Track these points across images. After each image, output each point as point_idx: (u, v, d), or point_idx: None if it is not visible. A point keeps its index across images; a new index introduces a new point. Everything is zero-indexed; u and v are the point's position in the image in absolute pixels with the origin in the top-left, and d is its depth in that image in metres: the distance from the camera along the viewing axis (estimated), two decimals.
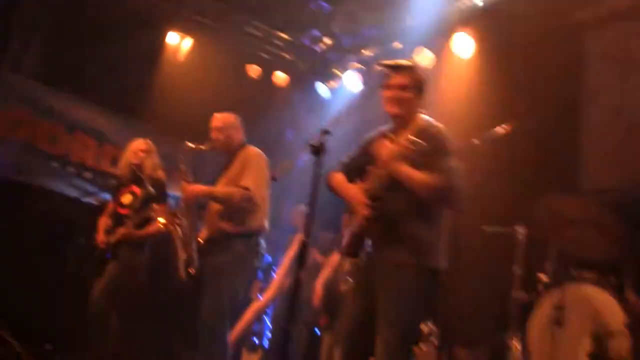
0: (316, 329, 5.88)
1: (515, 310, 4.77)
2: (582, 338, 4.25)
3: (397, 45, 7.35)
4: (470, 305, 5.63)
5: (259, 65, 8.37)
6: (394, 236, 3.36)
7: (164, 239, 5.21)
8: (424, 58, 6.89)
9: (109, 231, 5.44)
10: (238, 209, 4.68)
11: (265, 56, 8.39)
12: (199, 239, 4.91)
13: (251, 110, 6.25)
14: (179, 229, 4.98)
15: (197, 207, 5.03)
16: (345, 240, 3.54)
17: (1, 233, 6.38)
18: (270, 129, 7.73)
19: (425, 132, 3.35)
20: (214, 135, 4.98)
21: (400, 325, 3.27)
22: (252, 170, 4.77)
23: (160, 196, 5.49)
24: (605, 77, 5.90)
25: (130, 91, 7.56)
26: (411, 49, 6.92)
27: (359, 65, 7.85)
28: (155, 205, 5.36)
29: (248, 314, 6.13)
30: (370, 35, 7.65)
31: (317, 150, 3.12)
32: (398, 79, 3.51)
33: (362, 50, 7.84)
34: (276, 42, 8.28)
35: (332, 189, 3.64)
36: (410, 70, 3.56)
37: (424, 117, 3.51)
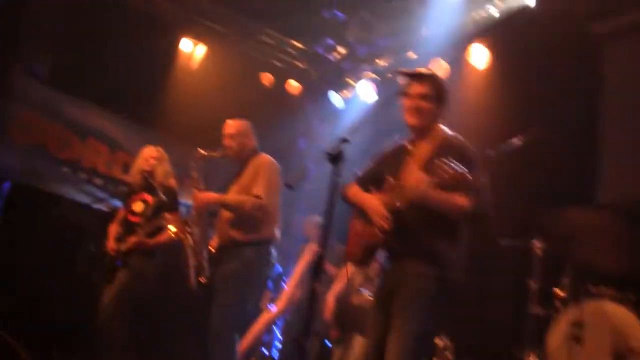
0: (327, 341, 5.80)
1: (531, 325, 4.69)
2: (602, 356, 4.17)
3: (412, 55, 7.30)
4: (486, 319, 5.54)
5: (272, 73, 8.33)
6: (412, 249, 3.29)
7: (175, 247, 5.18)
8: (439, 69, 6.83)
9: (119, 238, 5.40)
10: (249, 218, 4.64)
11: (279, 64, 8.37)
12: (210, 247, 4.87)
13: (263, 118, 6.21)
14: (189, 237, 4.95)
15: (208, 215, 4.99)
16: (355, 248, 3.46)
17: (11, 237, 6.37)
18: (282, 137, 7.68)
19: (449, 146, 3.28)
20: (226, 142, 4.94)
21: (413, 335, 3.17)
22: (264, 178, 4.73)
23: (172, 204, 5.46)
24: (622, 89, 5.83)
25: (142, 97, 7.54)
26: (426, 59, 6.86)
27: (373, 75, 7.80)
28: (167, 214, 5.31)
29: (258, 325, 6.06)
30: (385, 45, 7.61)
31: (335, 159, 3.04)
32: (418, 88, 3.40)
33: (377, 60, 7.80)
34: (289, 50, 8.27)
35: (347, 199, 3.55)
36: (431, 79, 3.45)
37: (444, 128, 3.44)
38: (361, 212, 3.44)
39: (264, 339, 6.36)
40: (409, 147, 3.45)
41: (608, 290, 4.48)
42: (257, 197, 4.64)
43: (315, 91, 8.45)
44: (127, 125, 7.74)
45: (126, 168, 7.32)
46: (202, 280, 4.79)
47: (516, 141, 4.82)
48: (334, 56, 8.08)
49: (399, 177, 3.32)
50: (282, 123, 7.98)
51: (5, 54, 6.72)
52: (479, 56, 6.81)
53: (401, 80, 3.50)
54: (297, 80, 8.47)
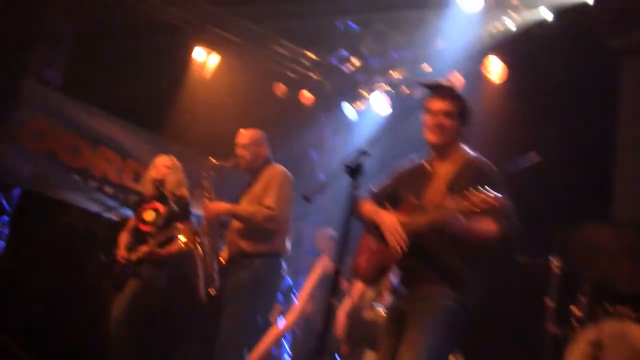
0: (337, 357, 5.72)
1: (548, 344, 4.59)
2: None
3: (426, 67, 7.23)
4: (502, 337, 5.45)
5: (285, 84, 8.29)
6: (431, 272, 3.16)
7: (185, 257, 5.12)
8: (454, 82, 6.76)
9: (130, 247, 5.35)
10: (259, 228, 4.57)
11: (292, 75, 8.32)
12: (220, 258, 4.81)
13: (276, 128, 6.16)
14: (200, 248, 4.89)
15: (219, 225, 4.94)
16: (367, 267, 3.35)
17: (20, 244, 6.35)
18: (294, 148, 7.63)
19: (473, 168, 3.18)
20: (239, 152, 4.89)
21: (428, 348, 3.03)
22: (276, 189, 4.68)
23: (184, 214, 5.40)
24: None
25: (155, 106, 7.53)
26: (441, 72, 6.79)
27: (387, 87, 7.74)
28: (178, 224, 5.24)
29: (268, 338, 5.98)
30: (399, 57, 7.55)
31: (354, 172, 2.94)
32: (441, 104, 3.27)
33: (391, 72, 7.73)
34: (303, 61, 8.22)
35: (360, 215, 3.37)
36: (454, 95, 3.33)
37: (465, 148, 3.32)
38: (375, 229, 3.30)
39: (273, 352, 6.28)
40: (429, 166, 3.34)
41: (626, 309, 4.38)
42: (269, 208, 4.59)
43: (329, 102, 8.40)
44: (139, 134, 7.72)
45: (137, 177, 7.30)
46: (212, 291, 4.73)
47: (532, 157, 4.75)
48: (347, 67, 8.02)
49: (421, 198, 3.22)
50: (294, 134, 7.94)
51: (18, 60, 6.72)
52: (495, 70, 6.74)
53: (419, 93, 3.41)
54: (310, 91, 8.42)
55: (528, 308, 5.06)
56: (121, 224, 5.92)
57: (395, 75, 7.70)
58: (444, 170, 3.28)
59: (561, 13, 6.06)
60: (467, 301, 3.16)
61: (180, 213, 5.36)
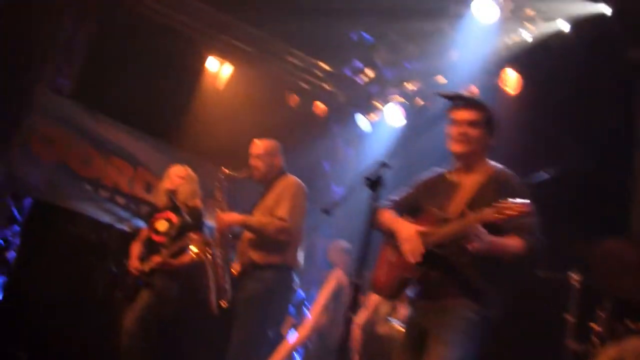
0: None
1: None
2: None
3: (441, 79, 7.17)
4: (521, 353, 5.35)
5: (298, 94, 8.26)
6: (452, 287, 3.08)
7: (197, 269, 5.07)
8: (473, 93, 6.71)
9: (142, 258, 5.30)
10: (271, 240, 4.51)
11: (305, 86, 8.29)
12: (232, 270, 4.75)
13: (289, 139, 6.11)
14: (212, 259, 4.83)
15: (231, 236, 4.88)
16: (386, 280, 3.27)
17: (31, 254, 6.33)
18: (307, 159, 7.57)
19: (500, 180, 3.12)
20: (252, 162, 4.84)
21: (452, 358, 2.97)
22: (289, 200, 4.62)
23: (197, 225, 5.34)
24: None
25: (167, 116, 7.51)
26: (456, 84, 6.73)
27: (401, 99, 7.68)
28: (192, 235, 5.18)
29: (279, 352, 5.90)
30: (414, 69, 7.49)
31: (374, 184, 2.88)
32: (466, 114, 3.21)
33: (405, 83, 7.68)
34: (316, 72, 8.19)
35: (379, 224, 3.29)
36: (479, 105, 3.27)
37: (490, 160, 3.25)
38: (393, 239, 3.22)
39: None
40: (454, 178, 3.28)
41: None
42: (281, 219, 4.52)
43: (342, 114, 8.36)
44: (151, 144, 7.69)
45: (148, 187, 7.26)
46: (223, 304, 4.67)
47: (549, 170, 4.68)
48: (361, 78, 7.98)
49: (445, 209, 3.15)
50: (307, 145, 7.88)
51: (30, 68, 6.71)
52: (511, 81, 6.67)
53: (434, 105, 3.36)
54: (323, 102, 8.39)
55: (548, 323, 4.98)
56: (132, 234, 5.88)
57: (410, 86, 7.64)
58: (470, 182, 3.22)
59: (578, 24, 6.00)
60: (488, 314, 3.08)
61: (193, 224, 5.31)
